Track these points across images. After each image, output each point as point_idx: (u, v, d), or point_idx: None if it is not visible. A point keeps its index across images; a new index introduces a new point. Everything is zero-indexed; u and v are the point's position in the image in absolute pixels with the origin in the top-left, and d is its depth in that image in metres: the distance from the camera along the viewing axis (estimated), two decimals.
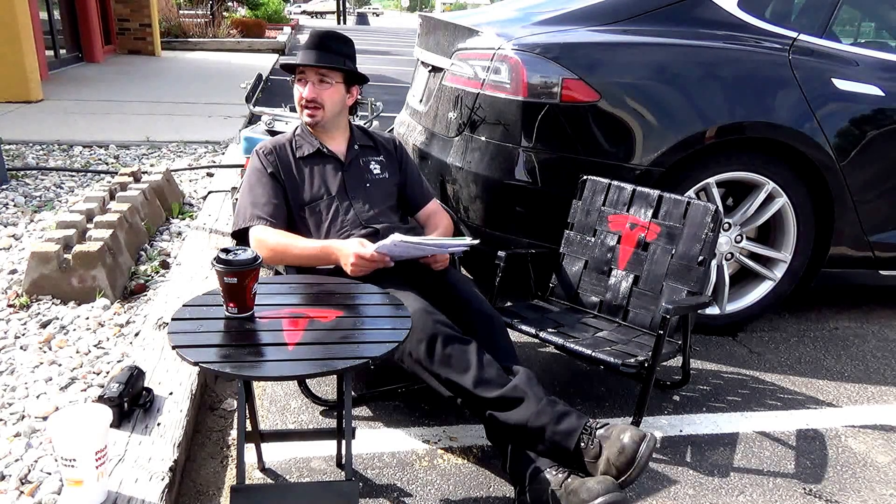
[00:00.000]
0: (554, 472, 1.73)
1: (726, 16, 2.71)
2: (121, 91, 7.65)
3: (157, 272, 2.99)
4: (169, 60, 11.01)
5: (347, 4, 38.11)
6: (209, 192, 4.11)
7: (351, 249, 2.00)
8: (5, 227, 3.42)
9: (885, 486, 1.99)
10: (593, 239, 2.47)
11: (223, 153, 5.18)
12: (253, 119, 5.73)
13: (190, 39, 13.04)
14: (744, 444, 2.15)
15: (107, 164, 4.76)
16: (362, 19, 37.11)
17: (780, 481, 1.98)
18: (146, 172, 3.97)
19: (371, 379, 2.33)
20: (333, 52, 2.22)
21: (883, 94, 2.66)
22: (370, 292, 1.83)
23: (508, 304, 2.58)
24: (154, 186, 3.65)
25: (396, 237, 1.93)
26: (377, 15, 53.22)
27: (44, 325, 2.46)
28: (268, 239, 2.11)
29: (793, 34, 2.69)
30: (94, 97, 7.17)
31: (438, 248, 2.10)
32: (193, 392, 2.07)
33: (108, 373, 2.18)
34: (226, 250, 1.59)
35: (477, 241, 2.12)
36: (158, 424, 1.88)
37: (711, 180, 2.62)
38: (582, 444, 1.73)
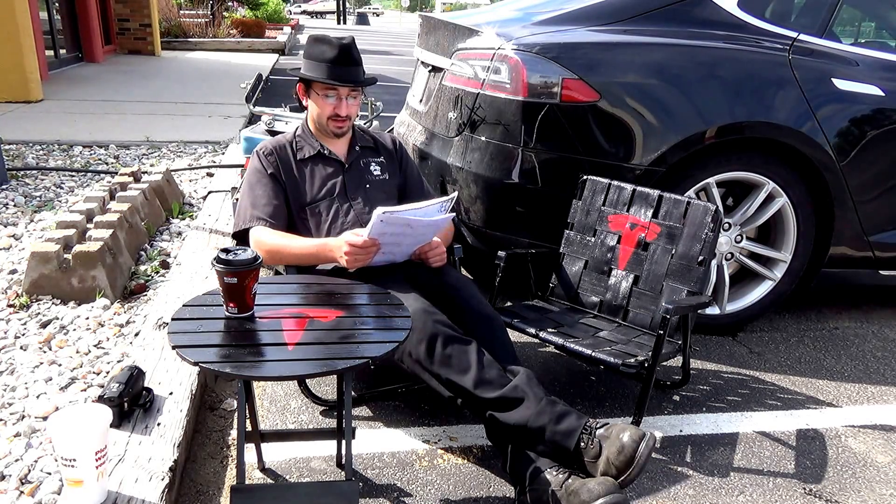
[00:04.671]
0: (554, 473, 1.73)
1: (726, 16, 2.71)
2: (121, 91, 7.64)
3: (157, 272, 2.99)
4: (169, 60, 11.01)
5: (347, 4, 38.11)
6: (209, 192, 4.11)
7: (343, 239, 1.98)
8: (5, 227, 3.42)
9: (885, 486, 1.99)
10: (593, 239, 2.47)
11: (223, 153, 5.18)
12: (253, 119, 5.73)
13: (190, 39, 13.05)
14: (744, 444, 2.15)
15: (107, 164, 4.77)
16: (362, 19, 37.10)
17: (780, 481, 1.98)
18: (146, 172, 3.97)
19: (371, 379, 2.33)
20: (359, 65, 2.23)
21: (883, 94, 2.66)
22: (370, 292, 1.83)
23: (508, 304, 2.59)
24: (154, 186, 3.65)
25: (379, 210, 1.88)
26: (377, 15, 53.21)
27: (44, 325, 2.46)
28: (266, 239, 2.11)
29: (793, 34, 2.69)
30: (94, 97, 7.17)
31: (427, 221, 2.01)
32: (193, 392, 2.07)
33: (108, 373, 2.18)
34: (226, 250, 1.59)
35: (455, 195, 2.12)
36: (158, 424, 1.88)
37: (711, 180, 2.62)
38: (582, 444, 1.73)
